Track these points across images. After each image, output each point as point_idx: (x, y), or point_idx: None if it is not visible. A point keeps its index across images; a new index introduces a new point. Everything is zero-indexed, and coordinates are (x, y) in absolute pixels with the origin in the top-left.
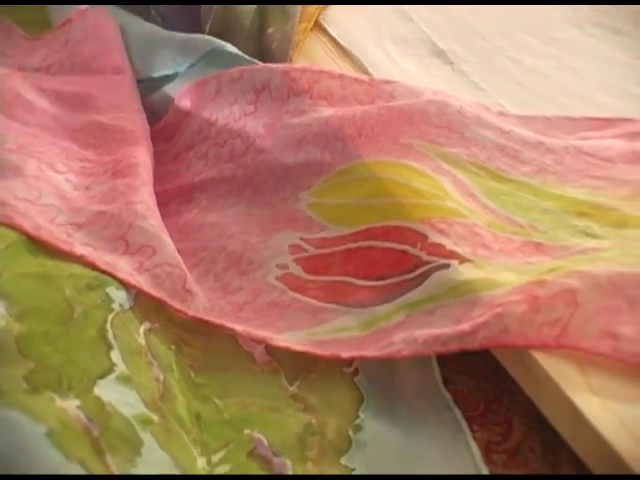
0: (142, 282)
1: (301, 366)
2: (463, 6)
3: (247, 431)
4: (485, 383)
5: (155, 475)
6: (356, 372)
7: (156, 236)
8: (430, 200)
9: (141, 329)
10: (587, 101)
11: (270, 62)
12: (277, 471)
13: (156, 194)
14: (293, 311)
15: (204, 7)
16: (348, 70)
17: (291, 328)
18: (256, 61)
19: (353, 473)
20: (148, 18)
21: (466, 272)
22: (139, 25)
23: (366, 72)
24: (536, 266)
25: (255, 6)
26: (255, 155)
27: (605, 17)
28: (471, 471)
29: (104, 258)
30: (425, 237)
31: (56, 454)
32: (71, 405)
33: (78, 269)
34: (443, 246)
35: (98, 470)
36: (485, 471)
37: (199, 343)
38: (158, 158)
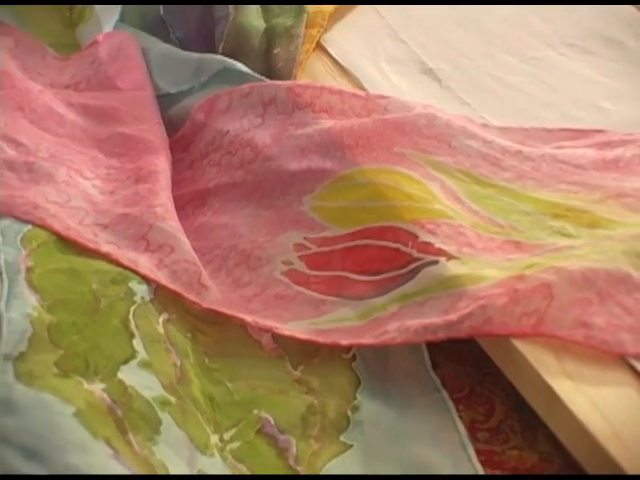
0: (161, 277)
1: (304, 352)
2: (450, 29)
3: (255, 411)
4: (470, 368)
5: (156, 475)
6: (354, 358)
7: (174, 236)
8: (420, 203)
9: (160, 319)
10: (561, 114)
11: (276, 79)
12: (282, 447)
13: (174, 198)
14: (297, 303)
15: (217, 30)
16: (346, 86)
17: (295, 318)
18: (264, 78)
19: (351, 449)
20: (167, 40)
21: (453, 268)
22: (159, 46)
23: (362, 88)
24: (516, 262)
25: (263, 28)
26: (263, 163)
27: (577, 39)
28: (457, 446)
29: (127, 255)
30: (416, 236)
31: (83, 432)
32: (97, 388)
33: (103, 265)
34: (432, 244)
35: (121, 447)
36: (470, 446)
37: (212, 332)
38: (176, 166)
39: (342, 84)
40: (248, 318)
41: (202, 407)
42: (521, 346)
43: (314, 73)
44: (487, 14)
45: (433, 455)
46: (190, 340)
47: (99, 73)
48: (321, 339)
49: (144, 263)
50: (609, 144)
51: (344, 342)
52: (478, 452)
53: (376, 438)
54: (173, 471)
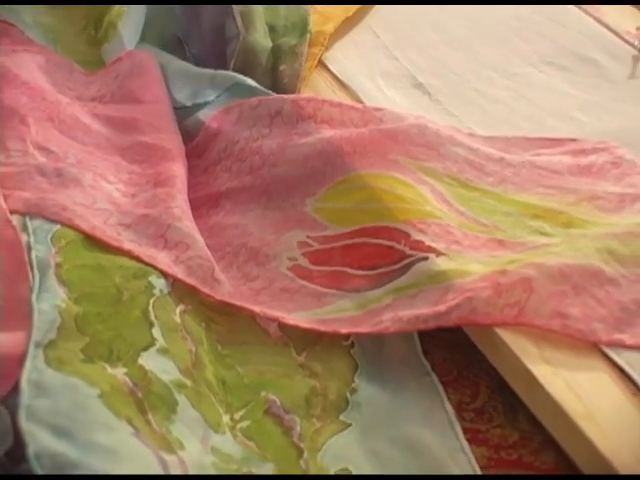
0: (178, 272)
1: (307, 340)
2: (439, 47)
3: (263, 393)
4: (457, 354)
5: (157, 475)
6: (352, 345)
7: (189, 234)
8: (412, 205)
9: (177, 310)
10: (539, 125)
11: (282, 93)
12: (287, 426)
13: (189, 200)
14: (301, 295)
15: (229, 48)
16: (345, 99)
17: (299, 309)
18: (271, 92)
19: (350, 427)
20: (183, 57)
21: (441, 263)
22: (176, 63)
23: (360, 101)
24: (499, 259)
25: (270, 47)
26: (270, 168)
27: (554, 57)
28: (446, 425)
29: (147, 252)
30: (408, 235)
31: (107, 412)
32: (119, 372)
33: (126, 261)
34: (423, 242)
35: (142, 426)
36: (457, 425)
37: (224, 321)
38: (191, 171)
39: (341, 97)
40: (257, 309)
41: (215, 389)
42: (504, 334)
43: (316, 87)
44: (473, 34)
45: (424, 433)
46: (204, 329)
47: (122, 87)
48: (323, 328)
49: (162, 259)
50: (583, 152)
51: (343, 331)
52: (464, 430)
53: (372, 417)
54: (188, 447)
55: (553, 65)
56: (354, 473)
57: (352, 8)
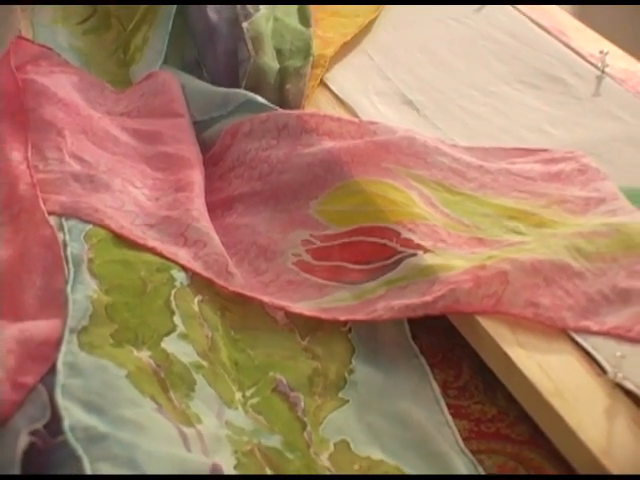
0: (196, 266)
1: (310, 326)
2: (426, 68)
3: (271, 373)
4: (442, 339)
5: (159, 475)
6: (350, 330)
7: (206, 233)
8: (402, 207)
9: (195, 300)
10: (514, 137)
11: (288, 109)
12: (292, 402)
13: (206, 204)
14: (304, 287)
15: (241, 69)
16: (344, 115)
17: (303, 299)
18: (278, 108)
19: (347, 404)
20: (201, 77)
21: (428, 259)
22: (194, 82)
23: (356, 116)
24: (478, 255)
25: (277, 68)
26: (277, 175)
27: (527, 77)
28: (432, 401)
29: (169, 249)
30: (399, 234)
31: (133, 390)
32: (144, 355)
33: (150, 257)
34: (412, 240)
35: (164, 402)
36: (442, 401)
37: (237, 310)
38: (208, 178)
39: (340, 113)
40: (265, 299)
41: (228, 370)
42: (483, 321)
43: (318, 104)
44: (456, 57)
45: (413, 408)
46: (219, 317)
47: (147, 104)
48: (324, 315)
49: (183, 255)
50: (552, 160)
51: (342, 318)
52: (449, 406)
53: (367, 395)
54: (205, 421)
55: (526, 84)
56: (351, 444)
57: (350, 34)
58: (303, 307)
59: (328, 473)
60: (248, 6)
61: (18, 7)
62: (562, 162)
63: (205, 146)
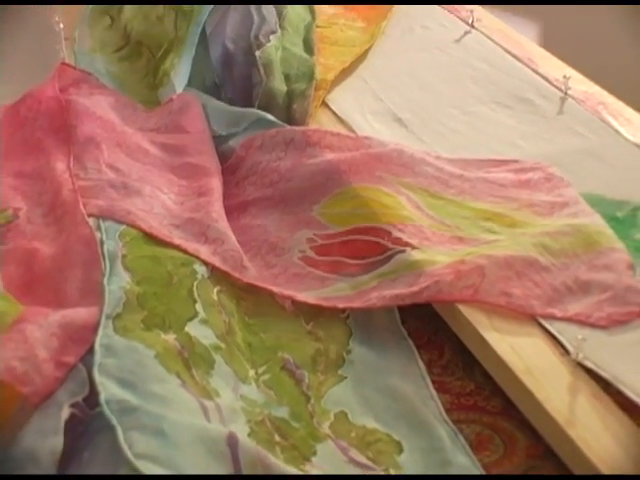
0: (215, 261)
1: (313, 313)
2: (414, 91)
3: (280, 353)
4: (427, 323)
5: (160, 475)
6: (348, 317)
7: (224, 233)
8: (393, 210)
9: (214, 290)
10: (490, 150)
11: (294, 126)
12: (298, 378)
13: (224, 207)
14: (309, 279)
15: (254, 92)
16: (342, 130)
17: (308, 289)
18: (286, 125)
19: (345, 380)
20: (219, 98)
21: (415, 255)
22: (214, 102)
23: (353, 132)
24: (459, 251)
25: (285, 91)
26: (285, 183)
27: (500, 98)
28: (418, 378)
29: (192, 246)
30: (390, 233)
31: (161, 368)
32: (170, 338)
33: (175, 253)
34: (401, 239)
35: (187, 379)
36: (427, 378)
37: (250, 298)
38: (226, 185)
39: (339, 129)
40: (275, 289)
41: (243, 351)
42: (463, 309)
43: (320, 121)
44: (439, 80)
45: (402, 384)
46: (235, 304)
47: (173, 121)
48: (325, 303)
49: (203, 251)
50: (522, 170)
51: (341, 305)
52: (433, 382)
53: (363, 372)
54: (223, 395)
55: (499, 104)
56: (349, 415)
57: (347, 61)
58: (307, 296)
59: (329, 440)
60: (260, 37)
61: (63, 38)
62: (531, 171)
63: (223, 157)
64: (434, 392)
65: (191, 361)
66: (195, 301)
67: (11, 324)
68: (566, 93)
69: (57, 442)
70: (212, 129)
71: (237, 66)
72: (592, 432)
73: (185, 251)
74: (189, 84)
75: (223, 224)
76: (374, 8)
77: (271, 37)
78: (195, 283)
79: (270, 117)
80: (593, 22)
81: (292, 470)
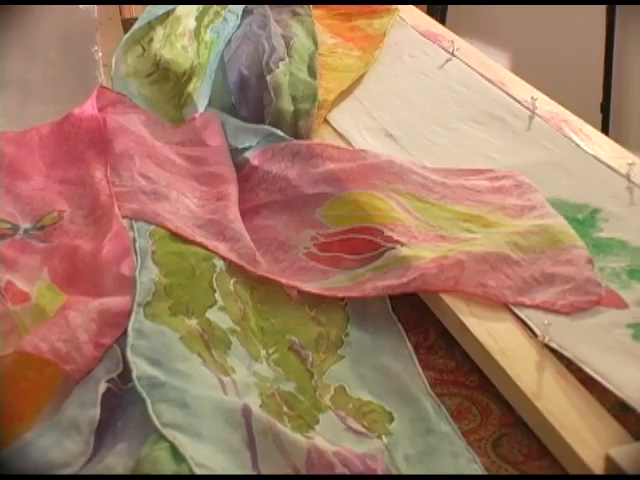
0: (232, 256)
1: (316, 301)
2: (403, 110)
3: (287, 336)
4: (415, 310)
5: (161, 475)
6: (345, 304)
7: (239, 232)
8: (385, 213)
9: (231, 281)
10: (468, 161)
11: (300, 139)
12: (303, 357)
13: (239, 210)
14: (312, 272)
15: (265, 111)
16: (341, 144)
17: (311, 281)
18: (293, 139)
19: (344, 359)
20: (236, 116)
21: (404, 251)
22: (231, 120)
23: (351, 145)
24: (442, 248)
25: (292, 110)
26: (292, 189)
27: (477, 116)
28: (407, 357)
29: (212, 244)
30: (382, 232)
31: (185, 349)
32: (193, 322)
33: (198, 250)
34: (392, 237)
35: (208, 358)
36: (414, 357)
37: (262, 289)
38: (241, 191)
39: (339, 143)
40: (283, 280)
41: (256, 333)
42: (445, 298)
43: (322, 136)
44: (425, 102)
45: (393, 362)
46: (249, 294)
47: (196, 136)
48: (326, 293)
49: (222, 248)
50: (496, 178)
51: (340, 295)
52: (419, 360)
53: (359, 352)
54: (238, 372)
55: (476, 122)
56: (347, 389)
57: (346, 85)
58: (311, 287)
59: (330, 411)
60: (271, 64)
61: (101, 65)
62: (503, 179)
63: (239, 167)
64: (420, 369)
65: (211, 343)
66: (214, 291)
67: (56, 311)
68: (533, 112)
69: (95, 413)
70: (229, 143)
71: (251, 89)
72: (556, 404)
73: (206, 248)
74: (209, 104)
75: (239, 225)
76: (368, 39)
77: (280, 64)
78: (214, 275)
79: (279, 132)
80: (556, 51)
81: (298, 436)
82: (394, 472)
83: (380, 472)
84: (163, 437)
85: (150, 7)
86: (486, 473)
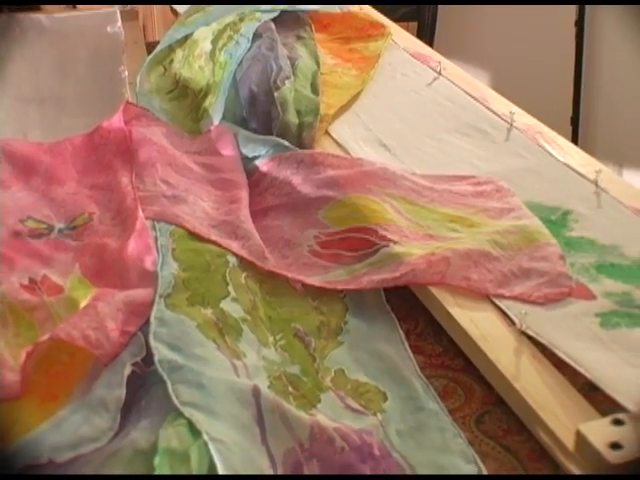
0: (243, 253)
1: (318, 293)
2: (395, 123)
3: (293, 324)
4: (406, 301)
5: (162, 475)
6: (345, 296)
7: (250, 231)
8: (379, 214)
9: (243, 275)
10: (453, 168)
11: (304, 149)
12: (307, 343)
13: (250, 212)
14: (315, 267)
15: (273, 124)
16: (340, 153)
17: (314, 275)
18: (297, 149)
19: (343, 345)
20: (247, 129)
21: (397, 248)
22: (243, 132)
23: (349, 154)
24: (430, 246)
25: (297, 123)
26: (297, 194)
27: (461, 128)
28: (399, 343)
29: (225, 242)
30: (377, 231)
31: (201, 336)
32: (208, 312)
33: (213, 247)
34: (386, 236)
35: (221, 343)
36: (406, 343)
37: (270, 282)
38: (251, 195)
39: (339, 152)
40: (289, 275)
41: (264, 322)
42: (433, 290)
43: (324, 146)
44: (415, 115)
45: (387, 347)
46: (258, 287)
47: (211, 146)
48: (327, 286)
49: (234, 246)
50: (478, 183)
51: (340, 287)
52: (410, 346)
53: (356, 339)
54: (249, 356)
55: (461, 133)
56: (345, 371)
57: (344, 100)
58: (314, 280)
59: (330, 391)
60: (278, 81)
61: (127, 83)
62: (485, 184)
63: (249, 174)
64: (411, 354)
65: (224, 330)
66: (227, 284)
67: (86, 302)
68: (511, 125)
69: (121, 392)
70: (241, 152)
71: (260, 104)
72: (532, 384)
73: (220, 245)
74: (223, 118)
75: (249, 225)
76: (365, 60)
77: (286, 82)
78: (227, 270)
79: (285, 143)
80: (531, 71)
81: (302, 414)
82: (388, 446)
83: (375, 446)
84: (181, 414)
85: (170, 32)
86: (470, 446)
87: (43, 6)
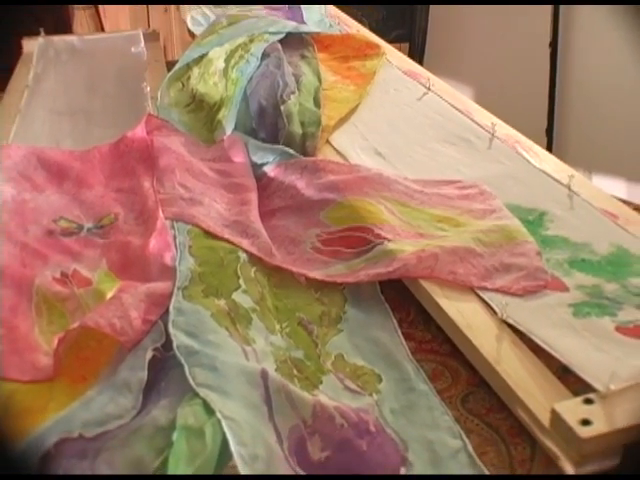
0: (253, 250)
1: (321, 285)
2: (389, 134)
3: (297, 314)
4: (399, 293)
5: (160, 475)
6: (344, 288)
7: (259, 230)
8: (375, 215)
9: (252, 269)
10: (442, 173)
11: (307, 157)
12: (309, 331)
13: (259, 213)
14: (317, 263)
15: (280, 134)
16: (340, 160)
17: (316, 269)
18: (302, 157)
19: (342, 332)
20: (256, 138)
21: (390, 246)
22: (253, 141)
23: (348, 161)
24: (420, 243)
25: (301, 133)
26: (301, 197)
27: (448, 137)
28: (392, 330)
29: (237, 240)
30: (373, 230)
31: (215, 324)
32: (222, 303)
33: (226, 244)
34: (381, 234)
35: (233, 331)
36: (399, 330)
37: (277, 275)
38: (260, 198)
39: (338, 160)
40: (294, 269)
41: (272, 311)
42: (423, 283)
43: (325, 154)
44: (408, 126)
45: (381, 334)
46: (266, 280)
47: (224, 154)
48: (328, 279)
49: (245, 243)
50: (464, 187)
51: (339, 280)
52: (402, 333)
53: (354, 326)
54: (258, 342)
55: (448, 142)
56: (345, 356)
57: (343, 113)
58: (316, 274)
59: (331, 373)
60: (284, 96)
61: (149, 97)
62: (469, 188)
63: (258, 178)
64: (403, 340)
65: (236, 319)
66: (239, 277)
67: (112, 293)
68: (493, 135)
69: (143, 375)
70: (251, 159)
71: (268, 116)
72: (512, 367)
73: (232, 243)
74: (235, 128)
75: (258, 225)
76: (362, 77)
77: (291, 96)
78: (239, 265)
79: (291, 151)
80: (510, 87)
81: (305, 394)
82: (382, 423)
83: (371, 423)
84: (197, 394)
85: (188, 51)
86: (456, 423)
87: (75, 29)
